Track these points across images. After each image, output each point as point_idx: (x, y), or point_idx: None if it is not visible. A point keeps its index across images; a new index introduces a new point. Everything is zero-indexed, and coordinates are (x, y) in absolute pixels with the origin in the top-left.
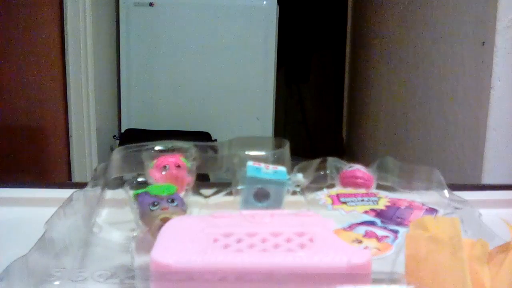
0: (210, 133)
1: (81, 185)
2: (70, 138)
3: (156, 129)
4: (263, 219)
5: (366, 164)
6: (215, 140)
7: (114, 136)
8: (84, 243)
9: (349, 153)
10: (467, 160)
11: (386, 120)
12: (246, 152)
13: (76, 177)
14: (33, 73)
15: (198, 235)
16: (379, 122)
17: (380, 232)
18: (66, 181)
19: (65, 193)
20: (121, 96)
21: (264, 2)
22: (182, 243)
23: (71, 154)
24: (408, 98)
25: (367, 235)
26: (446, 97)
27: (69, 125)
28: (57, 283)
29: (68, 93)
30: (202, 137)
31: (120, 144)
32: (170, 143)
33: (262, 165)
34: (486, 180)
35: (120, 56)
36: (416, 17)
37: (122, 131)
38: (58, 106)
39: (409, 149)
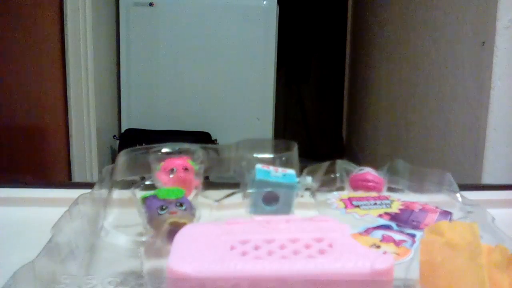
0: (210, 133)
1: (81, 185)
2: (70, 138)
3: (156, 129)
4: (278, 225)
5: (369, 164)
6: (215, 140)
7: (114, 136)
8: (90, 248)
9: (349, 153)
10: (467, 160)
11: (386, 120)
12: (254, 155)
13: (76, 177)
14: (33, 73)
15: (214, 243)
16: (379, 122)
17: (397, 236)
18: (66, 181)
19: (65, 193)
20: (121, 96)
21: (264, 2)
22: (198, 251)
23: (71, 154)
24: (408, 98)
25: (384, 239)
26: (446, 97)
27: (69, 125)
28: None
29: (68, 93)
30: (202, 137)
31: (120, 144)
32: (177, 145)
33: (271, 168)
34: (486, 180)
35: (120, 56)
36: (416, 17)
37: (122, 131)
38: (58, 106)
39: (409, 149)
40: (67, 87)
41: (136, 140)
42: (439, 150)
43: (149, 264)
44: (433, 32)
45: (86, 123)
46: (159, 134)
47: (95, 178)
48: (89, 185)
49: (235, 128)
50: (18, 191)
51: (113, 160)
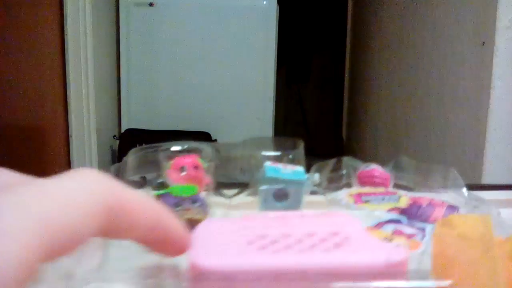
0: (210, 133)
1: None
2: (70, 138)
3: (156, 129)
4: (293, 220)
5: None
6: (215, 140)
7: (114, 136)
8: (103, 244)
9: (349, 153)
10: (467, 160)
11: (386, 120)
12: (263, 153)
13: None
14: (33, 73)
15: (232, 237)
16: (379, 122)
17: (407, 230)
18: None
19: None
20: (121, 96)
21: (264, 2)
22: (219, 245)
23: (71, 154)
24: (408, 98)
25: (396, 233)
26: (446, 97)
27: (69, 125)
28: (86, 287)
29: (68, 93)
30: (202, 137)
31: (120, 144)
32: (186, 144)
33: (280, 165)
34: (486, 180)
35: (120, 56)
36: (416, 17)
37: (122, 131)
38: (58, 106)
39: (409, 149)
40: (67, 87)
41: (136, 140)
42: (439, 150)
43: (167, 260)
44: (433, 32)
45: (86, 123)
46: (159, 134)
47: None
48: None
49: (235, 128)
50: None
51: (113, 160)
